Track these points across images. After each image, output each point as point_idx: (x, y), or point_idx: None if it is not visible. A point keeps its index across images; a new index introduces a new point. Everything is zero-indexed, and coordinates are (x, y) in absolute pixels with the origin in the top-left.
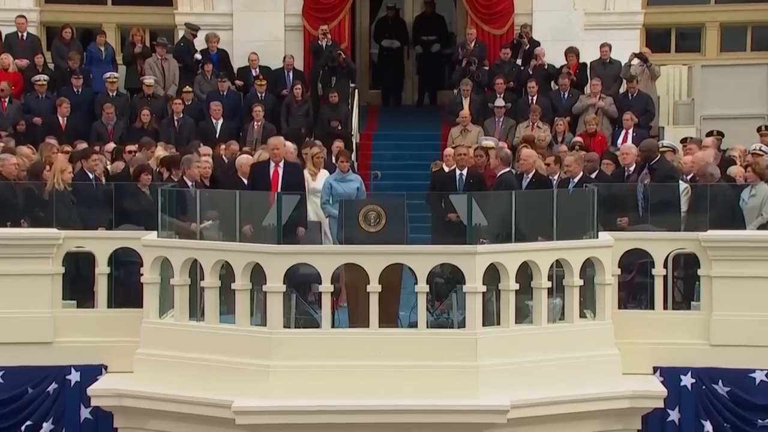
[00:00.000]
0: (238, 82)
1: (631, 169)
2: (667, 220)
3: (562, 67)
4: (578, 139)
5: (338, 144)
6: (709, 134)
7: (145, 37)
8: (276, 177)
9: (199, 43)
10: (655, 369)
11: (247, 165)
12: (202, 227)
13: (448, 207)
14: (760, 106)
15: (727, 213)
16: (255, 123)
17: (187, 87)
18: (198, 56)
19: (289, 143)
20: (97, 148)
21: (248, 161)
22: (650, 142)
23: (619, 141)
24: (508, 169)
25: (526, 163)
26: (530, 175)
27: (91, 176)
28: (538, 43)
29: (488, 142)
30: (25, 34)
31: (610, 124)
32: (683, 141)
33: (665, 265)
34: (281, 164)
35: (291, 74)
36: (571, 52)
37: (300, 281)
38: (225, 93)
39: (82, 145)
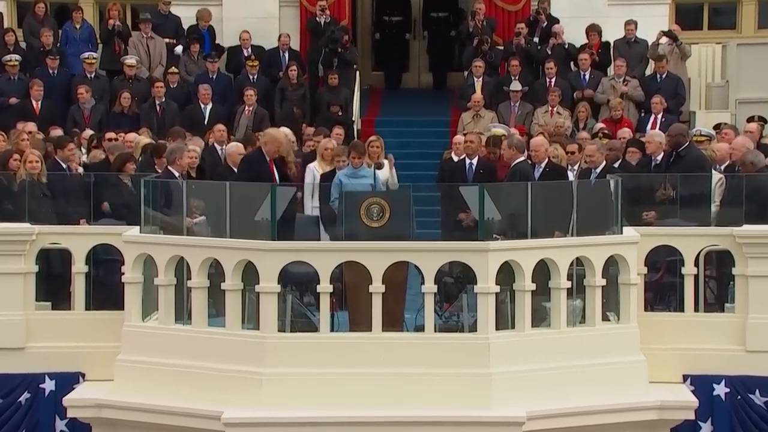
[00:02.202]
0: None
1: (659, 158)
2: (698, 214)
3: (583, 46)
4: (602, 125)
5: (338, 131)
6: (750, 120)
7: (123, 12)
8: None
9: (188, 20)
10: (685, 377)
11: (236, 154)
12: (195, 222)
13: (459, 204)
14: None
15: (765, 206)
16: (246, 108)
17: (173, 68)
18: (178, 50)
19: (287, 129)
20: (76, 137)
21: (239, 149)
22: (679, 127)
23: (648, 127)
24: (523, 158)
25: (538, 152)
26: (543, 165)
27: (64, 166)
28: (556, 20)
29: (498, 129)
30: None
31: (636, 109)
32: (716, 127)
33: (696, 264)
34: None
35: (287, 55)
36: (593, 29)
37: (296, 281)
38: (214, 75)
39: (57, 131)
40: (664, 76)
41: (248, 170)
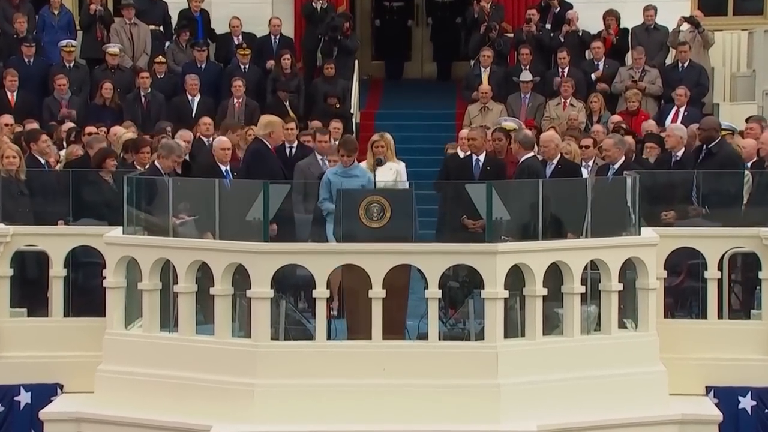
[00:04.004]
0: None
1: (679, 154)
2: (722, 214)
3: (599, 33)
4: (618, 118)
5: (336, 125)
6: None
7: None
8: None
9: (174, 5)
10: (708, 389)
11: (220, 149)
12: (180, 223)
13: (465, 203)
14: None
15: None
16: (235, 100)
17: (160, 57)
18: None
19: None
20: (55, 131)
21: (226, 143)
22: (711, 121)
23: (668, 120)
24: (532, 154)
25: (548, 148)
26: (555, 162)
27: (42, 161)
28: (570, 6)
29: (509, 123)
30: None
31: (654, 101)
32: (748, 120)
33: (720, 267)
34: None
35: (277, 41)
36: (610, 15)
37: (291, 285)
38: (203, 65)
39: (33, 125)
40: (685, 65)
41: (260, 165)
